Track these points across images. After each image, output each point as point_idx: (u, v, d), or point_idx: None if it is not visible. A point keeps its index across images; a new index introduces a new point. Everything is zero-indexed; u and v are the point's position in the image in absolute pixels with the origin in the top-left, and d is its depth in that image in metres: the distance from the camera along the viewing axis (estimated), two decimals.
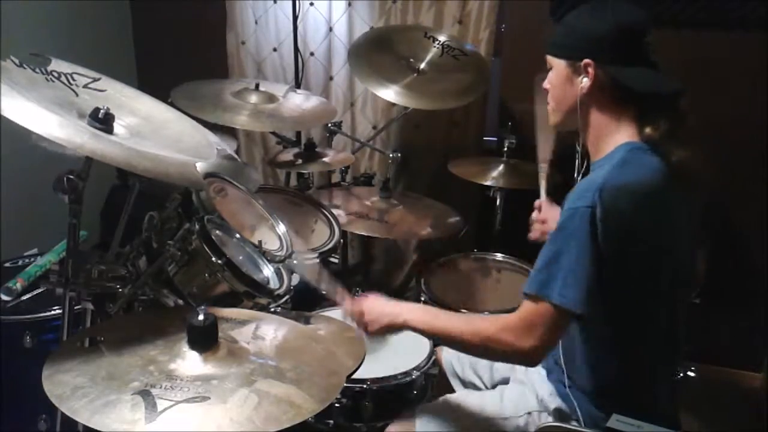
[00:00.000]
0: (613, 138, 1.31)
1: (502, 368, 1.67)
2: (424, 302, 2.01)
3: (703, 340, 2.14)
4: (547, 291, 1.20)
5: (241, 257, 1.51)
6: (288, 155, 2.40)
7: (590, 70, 1.30)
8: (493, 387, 1.67)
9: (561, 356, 1.40)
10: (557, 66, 1.36)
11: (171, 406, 0.98)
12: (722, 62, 2.39)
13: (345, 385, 1.50)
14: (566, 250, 1.20)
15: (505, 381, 1.63)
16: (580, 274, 1.18)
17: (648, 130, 1.27)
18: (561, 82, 1.36)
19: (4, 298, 1.74)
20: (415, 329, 1.37)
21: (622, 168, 1.25)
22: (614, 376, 1.34)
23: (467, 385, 1.74)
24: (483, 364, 1.72)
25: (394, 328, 1.39)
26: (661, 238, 1.27)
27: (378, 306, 1.41)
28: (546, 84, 1.41)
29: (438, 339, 1.39)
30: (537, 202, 1.79)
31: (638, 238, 1.22)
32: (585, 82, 1.31)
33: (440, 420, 1.46)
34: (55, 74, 1.29)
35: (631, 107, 1.30)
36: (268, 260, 1.58)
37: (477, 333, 1.28)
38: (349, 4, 2.75)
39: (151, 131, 1.33)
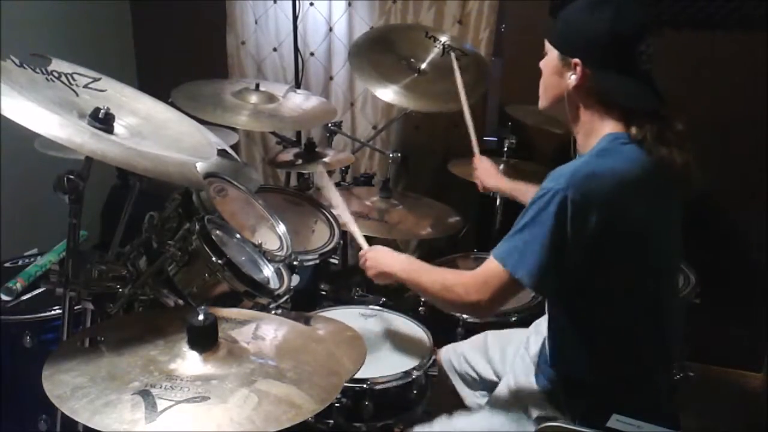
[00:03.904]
0: (599, 133, 1.31)
1: (496, 362, 1.69)
2: (424, 302, 2.01)
3: (703, 340, 2.14)
4: (508, 259, 1.26)
5: (241, 257, 1.51)
6: (288, 155, 2.40)
7: (578, 69, 1.29)
8: (486, 381, 1.69)
9: (549, 351, 1.41)
10: (551, 54, 1.36)
11: (171, 406, 0.98)
12: (722, 62, 2.39)
13: (345, 385, 1.51)
14: (531, 225, 1.24)
15: (499, 376, 1.64)
16: (537, 249, 1.22)
17: (633, 130, 1.27)
18: (551, 71, 1.36)
19: (4, 298, 1.73)
20: (402, 281, 1.49)
21: (599, 156, 1.26)
22: (602, 372, 1.34)
23: (464, 377, 1.76)
24: (477, 355, 1.73)
25: (388, 277, 1.53)
26: (637, 224, 1.27)
27: (380, 255, 1.57)
28: (541, 64, 1.39)
29: (414, 288, 1.50)
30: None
31: (610, 223, 1.22)
32: (573, 79, 1.31)
33: None
34: (56, 74, 1.29)
35: (616, 109, 1.30)
36: (268, 260, 1.58)
37: (438, 281, 1.40)
38: (349, 4, 2.75)
39: (151, 131, 1.33)
